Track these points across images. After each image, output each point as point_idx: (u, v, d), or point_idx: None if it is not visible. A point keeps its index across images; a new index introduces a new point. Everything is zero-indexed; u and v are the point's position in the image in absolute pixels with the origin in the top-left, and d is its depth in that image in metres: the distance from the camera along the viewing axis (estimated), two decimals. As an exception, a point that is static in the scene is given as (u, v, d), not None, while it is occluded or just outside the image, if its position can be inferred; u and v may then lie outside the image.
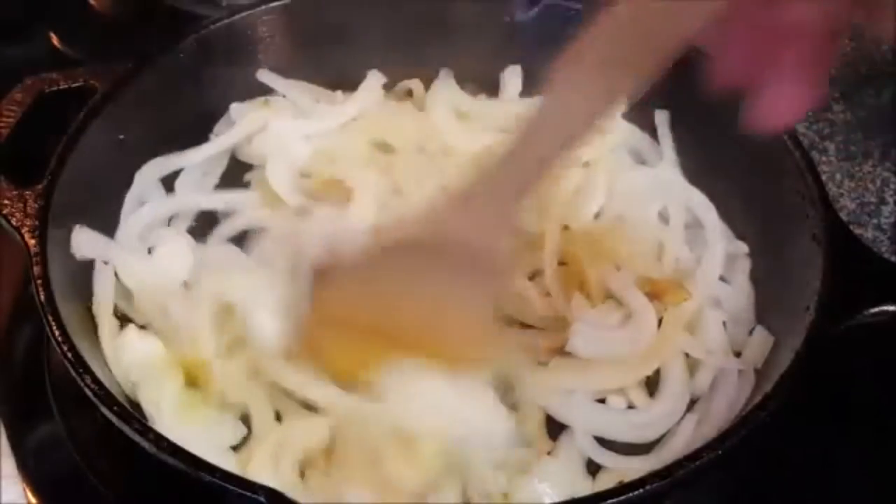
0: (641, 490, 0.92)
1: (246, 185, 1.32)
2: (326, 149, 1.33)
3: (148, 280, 1.18)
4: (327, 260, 1.01)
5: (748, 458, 1.08)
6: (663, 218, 1.29)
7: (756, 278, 1.23)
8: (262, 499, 0.89)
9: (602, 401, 1.12)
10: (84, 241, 1.16)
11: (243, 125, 1.33)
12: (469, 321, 0.92)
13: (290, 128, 1.32)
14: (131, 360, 1.10)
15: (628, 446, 1.09)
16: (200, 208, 1.28)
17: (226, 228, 1.25)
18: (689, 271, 1.23)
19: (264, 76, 1.37)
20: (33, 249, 1.07)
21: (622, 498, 0.92)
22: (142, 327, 1.14)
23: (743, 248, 1.25)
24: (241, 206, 1.28)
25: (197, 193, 1.30)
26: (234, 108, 1.35)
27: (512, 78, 1.41)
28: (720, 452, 0.95)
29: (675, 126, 1.35)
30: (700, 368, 1.15)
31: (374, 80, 1.39)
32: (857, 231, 1.37)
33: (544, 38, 1.36)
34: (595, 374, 1.12)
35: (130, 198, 1.26)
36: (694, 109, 1.29)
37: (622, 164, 1.34)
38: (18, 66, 1.20)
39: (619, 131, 1.36)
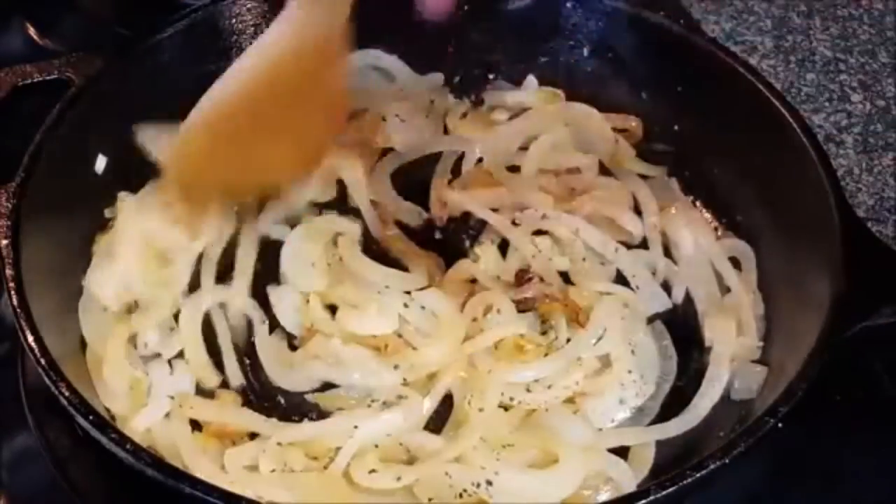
0: (645, 501, 0.91)
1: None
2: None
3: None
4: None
5: (763, 458, 1.07)
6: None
7: (770, 277, 1.21)
8: (243, 510, 0.87)
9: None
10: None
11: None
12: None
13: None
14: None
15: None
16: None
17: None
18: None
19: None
20: (5, 250, 1.03)
21: (626, 507, 0.90)
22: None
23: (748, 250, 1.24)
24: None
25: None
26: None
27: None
28: (727, 461, 0.93)
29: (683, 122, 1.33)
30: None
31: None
32: (876, 228, 1.35)
33: (539, 27, 1.36)
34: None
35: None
36: (707, 104, 1.29)
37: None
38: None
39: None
